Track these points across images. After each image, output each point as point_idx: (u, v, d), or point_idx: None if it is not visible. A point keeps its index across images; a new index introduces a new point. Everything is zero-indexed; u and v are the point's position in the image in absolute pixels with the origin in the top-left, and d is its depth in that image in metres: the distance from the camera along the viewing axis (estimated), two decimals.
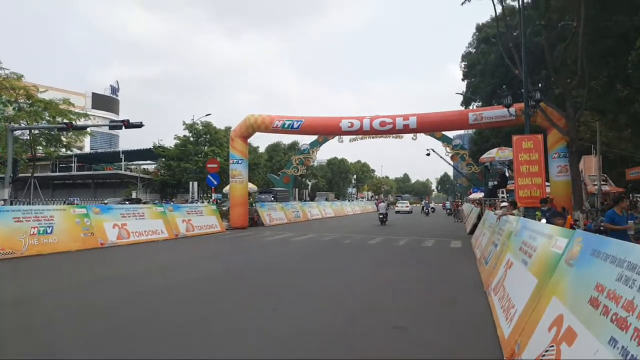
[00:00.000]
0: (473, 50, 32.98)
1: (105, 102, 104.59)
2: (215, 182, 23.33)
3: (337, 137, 47.48)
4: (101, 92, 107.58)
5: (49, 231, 12.81)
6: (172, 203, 28.57)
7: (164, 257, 12.80)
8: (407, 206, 53.26)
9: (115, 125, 25.18)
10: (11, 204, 23.18)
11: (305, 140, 50.87)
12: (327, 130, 24.92)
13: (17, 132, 30.12)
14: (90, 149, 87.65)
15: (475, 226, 18.90)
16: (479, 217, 19.02)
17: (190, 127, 46.42)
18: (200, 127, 47.93)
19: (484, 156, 24.94)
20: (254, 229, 22.08)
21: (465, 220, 29.92)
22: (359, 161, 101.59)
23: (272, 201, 31.41)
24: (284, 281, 8.78)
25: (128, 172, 55.56)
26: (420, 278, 9.28)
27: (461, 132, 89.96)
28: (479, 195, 31.33)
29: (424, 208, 49.23)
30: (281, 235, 18.73)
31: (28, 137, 32.64)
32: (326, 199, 57.90)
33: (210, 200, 25.52)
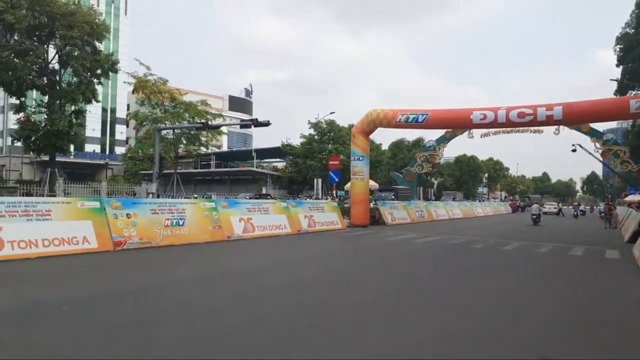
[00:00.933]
0: (631, 31, 28.79)
1: (240, 104, 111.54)
2: (337, 179, 23.17)
3: (466, 133, 44.78)
4: (237, 94, 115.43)
5: (180, 223, 13.47)
6: (297, 199, 29.15)
7: (287, 251, 12.89)
8: (555, 207, 49.02)
9: (245, 124, 26.44)
10: (158, 197, 25.39)
11: (430, 136, 48.81)
12: (455, 124, 23.19)
13: (163, 132, 32.93)
14: (227, 148, 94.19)
15: (636, 234, 16.20)
16: None
17: (315, 125, 47.32)
18: (325, 126, 48.68)
19: None
20: (375, 228, 21.46)
21: (619, 225, 26.30)
22: (491, 159, 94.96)
23: (392, 199, 30.35)
24: (404, 286, 8.02)
25: (259, 170, 58.43)
26: (568, 296, 7.77)
27: (613, 125, 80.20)
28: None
29: (574, 210, 46.39)
30: (403, 236, 17.85)
31: (172, 137, 35.63)
32: (453, 199, 55.08)
33: (332, 197, 25.44)
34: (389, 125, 22.05)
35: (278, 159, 65.52)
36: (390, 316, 5.87)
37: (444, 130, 46.46)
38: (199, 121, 32.28)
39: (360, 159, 22.38)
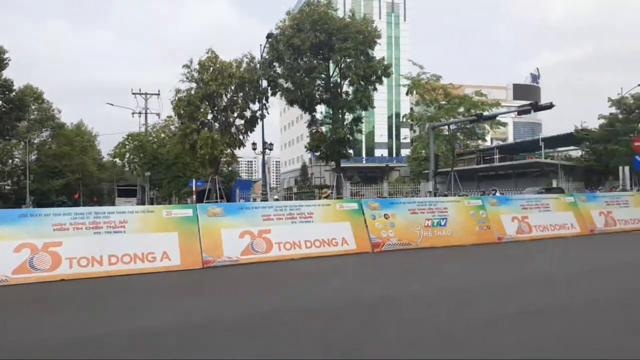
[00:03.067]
0: None
1: (526, 91, 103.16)
2: None
3: None
4: (522, 82, 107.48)
5: (442, 223, 12.55)
6: (597, 192, 24.53)
7: (574, 257, 10.77)
8: None
9: (524, 110, 23.73)
10: (435, 196, 25.18)
11: None
12: None
13: (438, 129, 32.60)
14: (513, 140, 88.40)
15: None
16: None
17: (618, 102, 39.39)
18: (631, 101, 40.02)
19: None
20: None
21: None
22: None
23: None
24: None
25: (549, 160, 52.43)
26: None
27: None
28: None
29: None
30: None
31: (447, 134, 34.97)
32: None
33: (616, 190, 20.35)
34: None
35: (572, 147, 57.59)
36: None
37: None
38: (474, 113, 30.73)
39: None
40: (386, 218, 11.93)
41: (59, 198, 57.57)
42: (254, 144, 31.22)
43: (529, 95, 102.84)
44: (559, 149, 60.09)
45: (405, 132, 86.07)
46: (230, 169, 31.28)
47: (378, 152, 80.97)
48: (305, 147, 31.37)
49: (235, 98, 29.48)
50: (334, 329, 5.05)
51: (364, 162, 77.14)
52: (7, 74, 45.30)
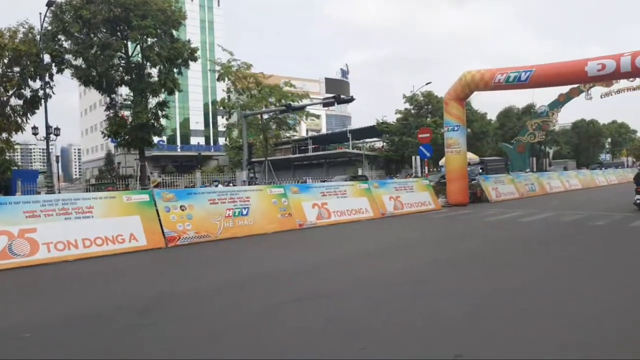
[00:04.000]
0: None
1: (337, 85, 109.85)
2: (429, 154, 20.72)
3: (583, 94, 39.56)
4: (333, 76, 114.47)
5: (244, 213, 12.20)
6: (395, 179, 26.97)
7: (365, 240, 11.28)
8: None
9: (328, 102, 24.72)
10: (249, 184, 24.80)
11: (542, 101, 43.59)
12: (567, 79, 19.06)
13: (251, 118, 32.40)
14: (327, 131, 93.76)
15: None
16: None
17: (411, 99, 44.34)
18: (422, 98, 45.46)
19: None
20: (476, 207, 18.73)
21: None
22: (614, 121, 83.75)
23: (480, 173, 25.69)
24: (490, 288, 5.78)
25: (355, 151, 56.75)
26: None
27: None
28: None
29: None
30: (507, 215, 15.12)
31: (260, 123, 35.02)
32: (565, 169, 48.10)
33: (424, 174, 22.95)
34: (487, 88, 19.04)
35: (375, 139, 63.37)
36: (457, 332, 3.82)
37: (557, 94, 41.39)
38: (284, 103, 31.24)
39: (455, 129, 19.66)
40: (182, 210, 11.09)
41: None
42: (34, 127, 26.80)
43: (339, 89, 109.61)
44: (366, 140, 65.47)
45: (222, 120, 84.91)
46: (6, 157, 26.32)
47: (194, 141, 78.28)
48: (103, 132, 28.22)
49: (9, 73, 24.93)
50: (92, 340, 4.36)
51: (178, 150, 73.99)
52: None
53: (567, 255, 8.38)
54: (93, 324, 4.88)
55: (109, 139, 29.42)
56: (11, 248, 8.39)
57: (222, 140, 79.67)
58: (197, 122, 78.59)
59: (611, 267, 7.16)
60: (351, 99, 23.39)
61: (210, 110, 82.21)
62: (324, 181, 27.00)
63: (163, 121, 28.67)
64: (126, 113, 28.30)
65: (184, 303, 5.75)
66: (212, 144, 79.90)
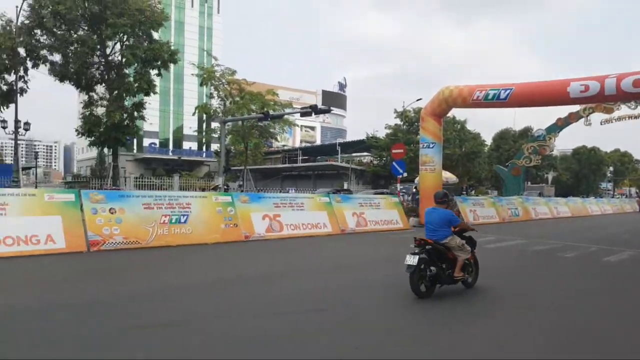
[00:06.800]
0: None
1: (333, 98, 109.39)
2: (401, 171, 19.90)
3: (582, 120, 38.82)
4: (331, 89, 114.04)
5: (182, 220, 11.35)
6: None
7: (310, 257, 10.66)
8: None
9: (305, 112, 24.03)
10: (225, 191, 23.93)
11: (540, 124, 42.57)
12: (547, 99, 18.24)
13: (230, 125, 31.64)
14: (321, 143, 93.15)
15: None
16: None
17: (401, 115, 43.68)
18: (413, 114, 44.76)
19: None
20: None
21: None
22: (617, 150, 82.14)
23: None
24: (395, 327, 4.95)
25: (343, 164, 56.01)
26: None
27: None
28: None
29: None
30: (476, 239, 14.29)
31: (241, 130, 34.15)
32: (540, 194, 46.47)
33: (396, 191, 22.09)
34: (465, 105, 18.34)
35: (365, 153, 62.67)
36: None
37: (556, 118, 40.58)
38: (265, 111, 30.48)
39: (431, 146, 18.91)
40: (112, 213, 10.25)
41: None
42: (3, 121, 25.96)
43: (336, 102, 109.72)
44: (355, 154, 64.73)
45: (214, 126, 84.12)
46: None
47: (187, 145, 77.53)
48: (76, 130, 27.41)
49: None
50: None
51: (170, 154, 73.33)
52: None
53: (522, 286, 7.53)
54: None
55: (84, 137, 28.50)
56: None
57: (214, 146, 79.06)
58: (190, 127, 77.92)
59: (567, 301, 6.33)
60: (328, 110, 22.70)
61: (203, 115, 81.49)
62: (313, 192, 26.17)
63: (149, 123, 27.82)
64: (100, 112, 27.53)
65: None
66: (204, 149, 79.12)
